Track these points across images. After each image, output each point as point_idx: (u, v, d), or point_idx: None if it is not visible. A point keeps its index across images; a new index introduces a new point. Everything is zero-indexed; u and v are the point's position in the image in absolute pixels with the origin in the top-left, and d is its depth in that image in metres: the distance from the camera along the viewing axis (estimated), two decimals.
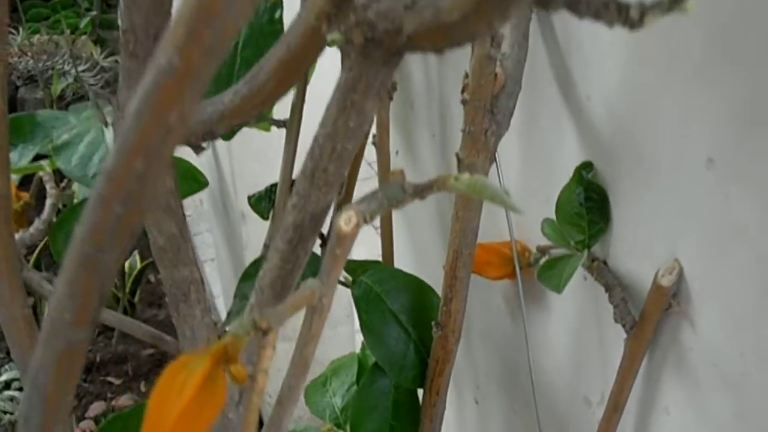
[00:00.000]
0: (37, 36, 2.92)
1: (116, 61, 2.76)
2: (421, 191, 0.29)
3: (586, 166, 0.45)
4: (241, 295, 0.59)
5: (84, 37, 3.17)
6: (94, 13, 3.30)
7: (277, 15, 0.57)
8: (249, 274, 0.60)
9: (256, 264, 0.60)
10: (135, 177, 0.21)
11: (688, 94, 0.37)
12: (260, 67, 0.31)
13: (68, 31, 3.26)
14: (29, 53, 3.00)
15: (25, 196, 0.66)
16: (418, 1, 0.24)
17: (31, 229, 0.58)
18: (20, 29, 3.20)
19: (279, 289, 0.33)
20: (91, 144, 0.56)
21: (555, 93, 0.46)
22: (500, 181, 0.52)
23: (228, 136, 0.60)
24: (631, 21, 0.23)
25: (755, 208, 0.35)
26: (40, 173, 0.58)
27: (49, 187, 0.56)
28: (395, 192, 0.29)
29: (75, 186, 0.85)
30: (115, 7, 3.37)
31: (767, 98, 0.33)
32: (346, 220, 0.27)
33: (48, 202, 0.55)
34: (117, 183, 0.21)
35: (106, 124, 0.58)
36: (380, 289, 0.59)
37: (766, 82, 0.33)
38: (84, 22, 3.18)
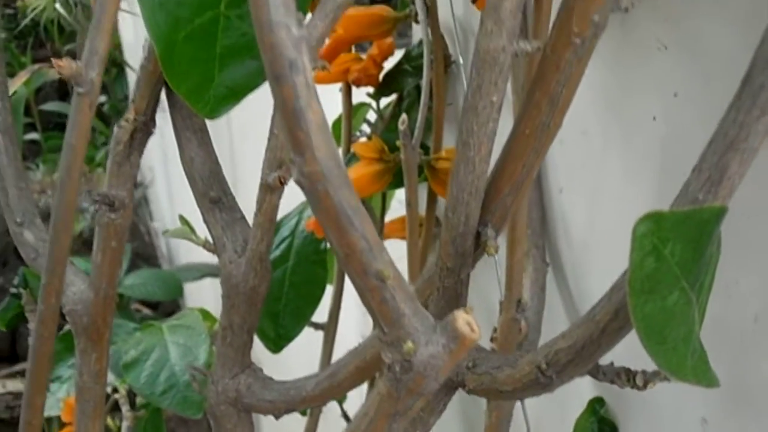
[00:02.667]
0: (55, 174, 3.04)
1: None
2: None
3: (599, 401, 0.52)
4: None
5: (100, 169, 3.30)
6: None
7: (321, 246, 0.66)
8: None
9: None
10: None
11: None
12: (339, 367, 0.39)
13: (85, 165, 3.39)
14: (49, 191, 3.11)
15: None
16: (478, 364, 0.31)
17: None
18: (39, 165, 3.33)
19: None
20: (158, 362, 0.64)
21: None
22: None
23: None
24: (638, 386, 0.31)
25: None
26: (116, 396, 0.65)
27: (125, 410, 0.62)
28: None
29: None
30: None
31: (754, 376, 0.40)
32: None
33: (124, 425, 0.62)
34: None
35: None
36: None
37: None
38: (100, 154, 3.32)
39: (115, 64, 3.34)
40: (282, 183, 0.35)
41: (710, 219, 0.23)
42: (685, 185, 0.24)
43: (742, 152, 0.22)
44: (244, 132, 1.47)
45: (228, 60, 0.36)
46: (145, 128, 0.42)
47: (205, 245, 0.40)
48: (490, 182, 0.29)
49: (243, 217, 0.41)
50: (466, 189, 0.28)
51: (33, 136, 2.93)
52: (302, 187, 0.20)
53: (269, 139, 0.36)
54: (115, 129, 0.41)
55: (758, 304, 0.37)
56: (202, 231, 0.46)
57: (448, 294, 0.31)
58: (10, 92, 1.94)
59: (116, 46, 3.25)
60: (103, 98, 3.45)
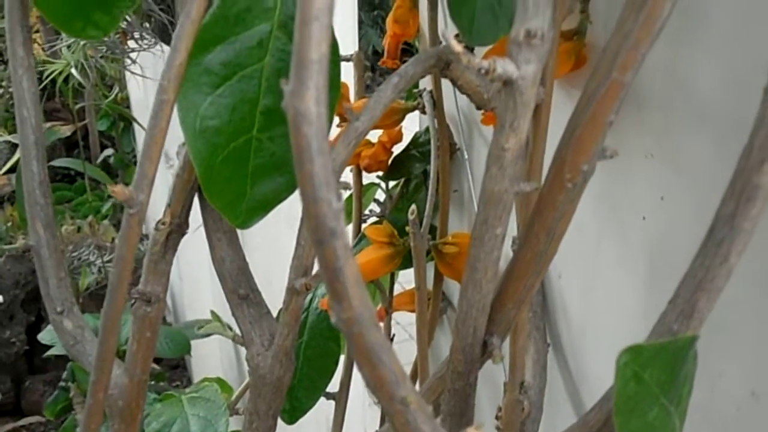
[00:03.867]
0: (63, 227, 3.09)
1: (138, 249, 2.91)
2: None
3: None
4: None
5: (105, 221, 3.34)
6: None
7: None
8: None
9: None
10: None
11: None
12: None
13: (91, 216, 3.44)
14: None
15: None
16: None
17: None
18: None
19: None
20: None
21: (570, 414, 0.57)
22: None
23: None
24: None
25: None
26: None
27: None
28: None
29: None
30: None
31: None
32: None
33: None
34: None
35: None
36: None
37: None
38: (105, 207, 3.36)
39: (123, 118, 3.40)
40: (307, 289, 0.39)
41: (684, 346, 0.27)
42: (662, 315, 0.28)
43: (709, 291, 0.26)
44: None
45: (259, 177, 0.41)
46: (179, 229, 0.46)
47: (234, 338, 0.44)
48: (495, 298, 0.33)
49: (269, 312, 0.45)
50: (475, 306, 0.32)
51: None
52: (340, 329, 0.24)
53: (296, 249, 0.40)
54: (153, 231, 0.45)
55: (740, 394, 0.41)
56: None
57: (458, 395, 0.34)
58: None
59: (124, 101, 3.32)
60: (110, 151, 3.50)
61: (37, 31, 3.89)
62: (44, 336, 1.67)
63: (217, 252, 0.46)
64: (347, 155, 0.37)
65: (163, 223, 0.45)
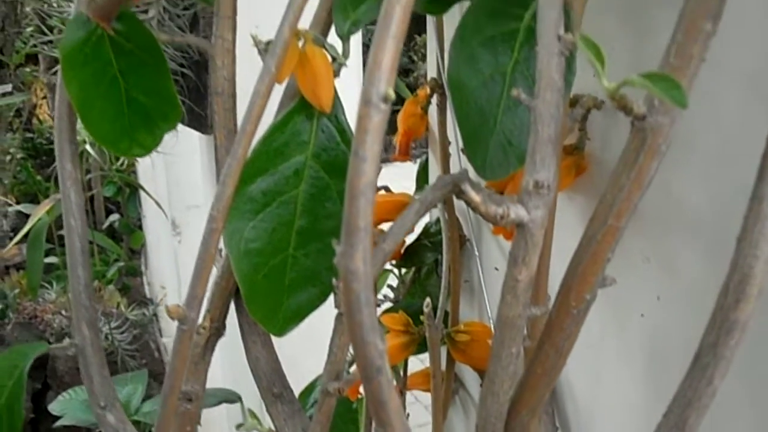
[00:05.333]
0: (69, 294, 3.11)
1: (144, 314, 2.94)
2: None
3: None
4: None
5: (111, 286, 3.37)
6: (121, 263, 3.50)
7: (353, 406, 0.73)
8: None
9: None
10: None
11: None
12: None
13: (96, 281, 3.46)
14: (63, 311, 3.17)
15: None
16: None
17: None
18: (53, 284, 3.40)
19: None
20: None
21: None
22: None
23: None
24: None
25: None
26: None
27: None
28: None
29: None
30: (139, 253, 3.62)
31: None
32: None
33: None
34: None
35: None
36: None
37: None
38: (111, 271, 3.40)
39: (129, 185, 3.47)
40: (340, 393, 0.43)
41: None
42: (657, 427, 0.32)
43: (697, 409, 0.30)
44: None
45: (294, 289, 0.45)
46: (217, 332, 0.51)
47: None
48: (511, 406, 0.37)
49: (300, 409, 0.49)
50: (492, 414, 0.37)
51: (51, 259, 3.03)
52: None
53: (329, 355, 0.45)
54: (195, 336, 0.50)
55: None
56: None
57: None
58: (34, 220, 2.07)
59: (130, 168, 3.39)
60: (115, 217, 3.55)
61: (44, 97, 3.98)
62: (54, 407, 1.70)
63: (252, 353, 0.50)
64: (376, 274, 0.42)
65: (204, 328, 0.49)
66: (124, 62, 0.51)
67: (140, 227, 3.48)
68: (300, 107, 0.44)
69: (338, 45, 0.45)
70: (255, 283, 0.44)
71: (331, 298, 0.45)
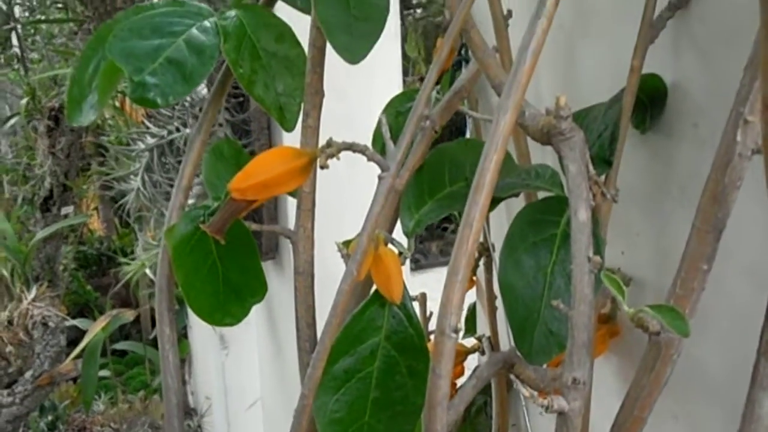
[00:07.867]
0: (113, 409, 3.20)
1: (188, 425, 2.99)
2: None
3: None
4: None
5: (156, 396, 3.44)
6: None
7: None
8: None
9: None
10: None
11: None
12: None
13: (142, 391, 3.54)
14: (112, 423, 3.24)
15: None
16: None
17: None
18: (102, 395, 3.48)
19: None
20: None
21: None
22: None
23: None
24: None
25: None
26: None
27: None
28: None
29: None
30: (183, 362, 3.69)
31: None
32: None
33: None
34: None
35: None
36: None
37: None
38: (157, 381, 3.47)
39: (178, 299, 3.57)
40: None
41: None
42: None
43: None
44: None
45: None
46: None
47: None
48: None
49: None
50: None
51: (104, 373, 3.13)
52: None
53: None
54: None
55: None
56: None
57: None
58: (90, 336, 2.19)
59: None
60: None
61: (95, 208, 4.16)
62: None
63: None
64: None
65: None
66: (222, 249, 0.61)
67: (185, 336, 3.57)
68: (374, 298, 0.53)
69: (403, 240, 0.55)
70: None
71: None
